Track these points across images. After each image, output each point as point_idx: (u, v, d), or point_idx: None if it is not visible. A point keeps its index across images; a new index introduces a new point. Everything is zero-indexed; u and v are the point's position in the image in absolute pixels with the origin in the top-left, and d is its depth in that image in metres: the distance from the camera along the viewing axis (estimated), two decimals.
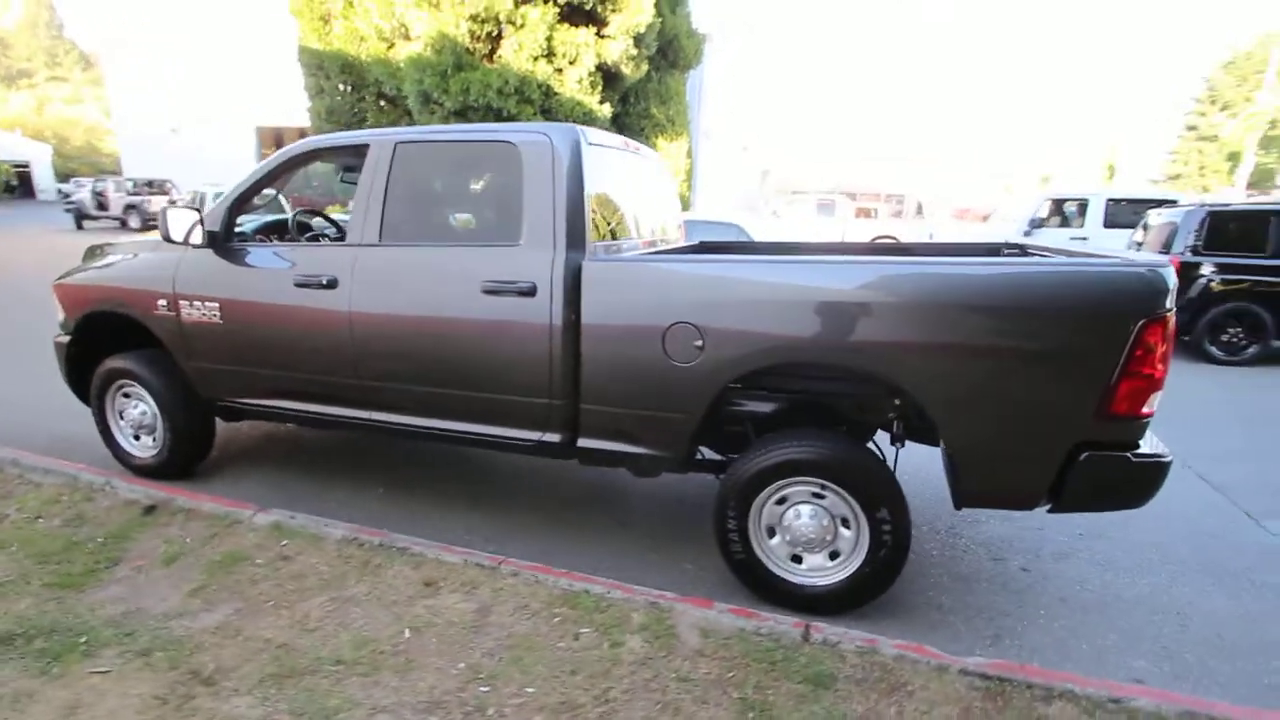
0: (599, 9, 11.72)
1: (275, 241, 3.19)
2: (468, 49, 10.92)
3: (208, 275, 2.91)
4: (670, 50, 15.21)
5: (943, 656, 1.98)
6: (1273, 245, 6.29)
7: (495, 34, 11.03)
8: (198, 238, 2.80)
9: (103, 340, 3.33)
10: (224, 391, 3.06)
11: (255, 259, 2.91)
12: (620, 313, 2.33)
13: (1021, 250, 3.12)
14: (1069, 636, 2.28)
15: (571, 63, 11.60)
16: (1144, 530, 2.98)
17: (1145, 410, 1.91)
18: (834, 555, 2.30)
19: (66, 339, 3.33)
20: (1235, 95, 36.05)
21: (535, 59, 11.04)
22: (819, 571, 2.32)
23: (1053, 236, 10.06)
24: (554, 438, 2.55)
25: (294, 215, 3.53)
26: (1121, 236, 9.14)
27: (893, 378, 2.06)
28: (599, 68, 12.27)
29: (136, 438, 3.33)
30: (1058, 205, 10.69)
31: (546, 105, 11.35)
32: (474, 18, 10.60)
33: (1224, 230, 6.50)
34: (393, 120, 13.56)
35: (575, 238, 2.39)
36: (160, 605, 2.21)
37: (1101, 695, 1.83)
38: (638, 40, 12.74)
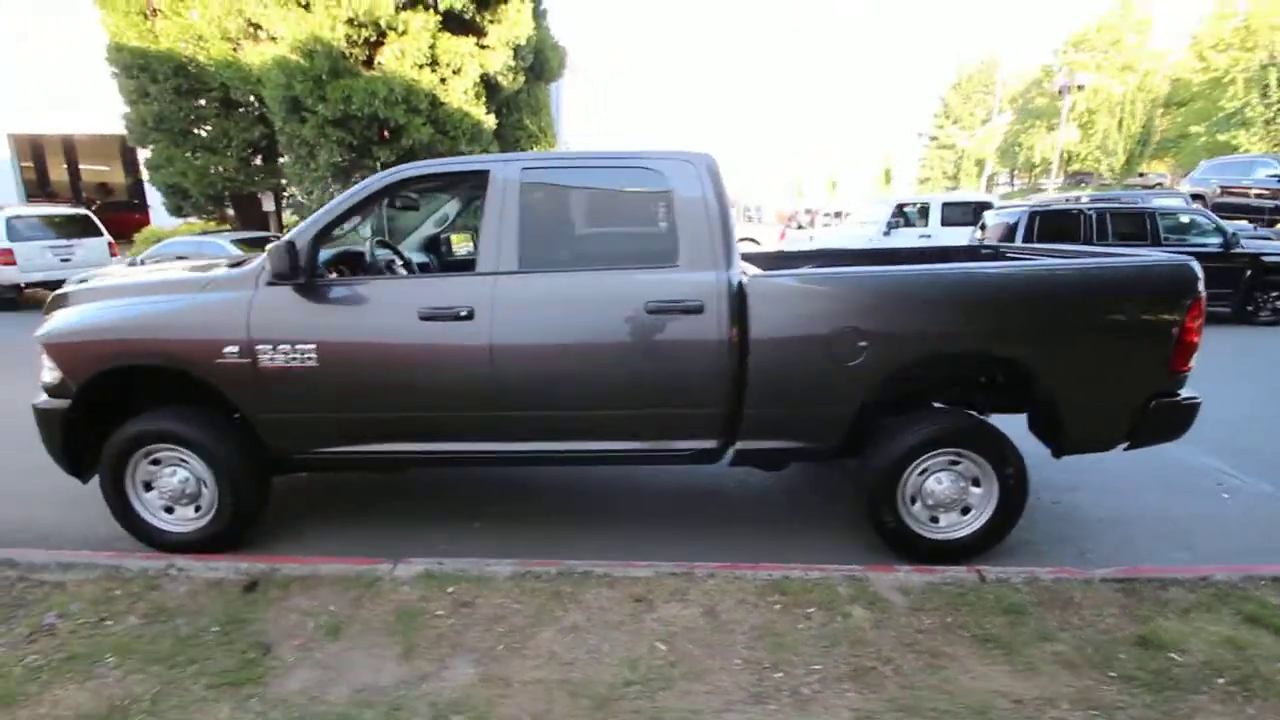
0: (478, 19, 11.46)
1: (365, 276, 2.94)
2: (344, 54, 10.07)
3: (297, 316, 2.61)
4: (537, 62, 15.28)
5: (1084, 572, 2.51)
6: (1082, 235, 8.14)
7: (374, 40, 10.30)
8: (282, 275, 2.52)
9: (107, 402, 2.81)
10: (311, 442, 2.76)
11: (360, 295, 2.67)
12: (786, 324, 2.57)
13: (996, 252, 3.88)
14: (1124, 543, 2.96)
15: (456, 72, 11.21)
16: (1116, 461, 3.86)
17: (1190, 366, 2.60)
18: (965, 510, 2.75)
19: (63, 404, 2.74)
20: (963, 110, 44.44)
21: (420, 67, 10.50)
22: (955, 526, 2.75)
23: (906, 235, 11.87)
24: (711, 444, 2.71)
25: (371, 245, 3.22)
26: (956, 233, 11.05)
27: (1023, 358, 2.56)
28: (482, 78, 11.99)
29: (170, 510, 2.84)
30: (901, 209, 12.60)
31: (434, 115, 10.84)
32: (351, 21, 9.82)
33: (1046, 226, 8.26)
34: (243, 128, 12.01)
35: (731, 257, 2.59)
36: (383, 677, 2.02)
37: (1193, 577, 2.47)
38: (517, 52, 12.67)
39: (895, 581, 2.48)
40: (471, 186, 3.43)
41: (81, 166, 23.16)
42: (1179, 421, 2.67)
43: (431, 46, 10.51)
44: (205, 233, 11.14)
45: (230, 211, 13.56)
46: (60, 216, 11.00)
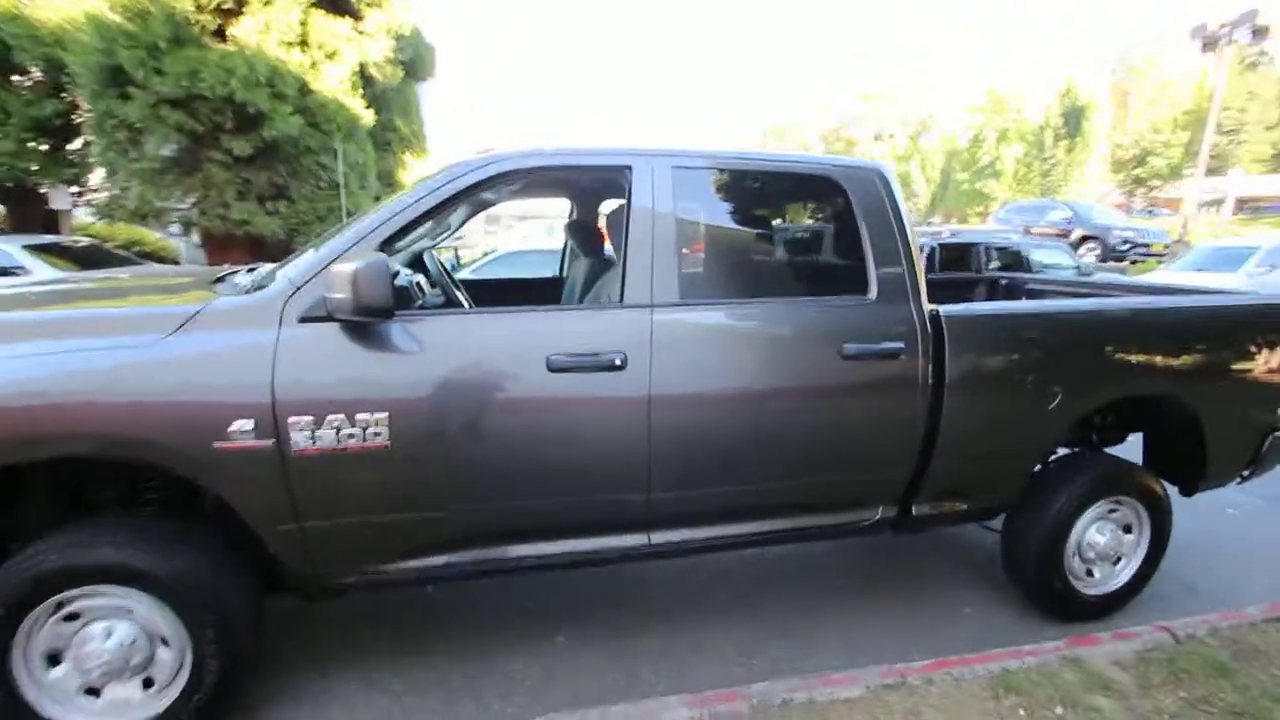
0: (354, 1, 10.01)
1: (444, 309, 2.07)
2: (188, 19, 8.12)
3: (356, 370, 1.71)
4: (412, 59, 13.89)
5: (1240, 615, 2.43)
6: (974, 266, 9.02)
7: (230, 7, 8.45)
8: (371, 308, 1.62)
9: None
10: (369, 558, 1.84)
11: (454, 336, 1.82)
12: (986, 366, 2.21)
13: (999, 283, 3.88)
14: (1203, 572, 2.98)
15: (330, 57, 9.64)
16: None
17: None
18: (1116, 561, 2.59)
19: None
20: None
21: (288, 46, 8.83)
22: (1108, 579, 2.57)
23: None
24: (890, 512, 2.27)
25: (440, 266, 2.27)
26: None
27: (1185, 392, 2.44)
28: (359, 68, 10.48)
29: (95, 692, 1.74)
30: None
31: (304, 104, 9.17)
32: None
33: (946, 255, 9.05)
34: (28, 102, 9.20)
35: (922, 285, 2.17)
36: None
37: None
38: (399, 42, 11.31)
39: (1107, 655, 2.20)
40: (593, 188, 2.65)
41: None
42: (1279, 455, 2.74)
43: (302, 23, 8.92)
44: None
45: (1, 209, 10.37)
46: None
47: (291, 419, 1.66)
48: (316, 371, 1.69)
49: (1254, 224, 22.93)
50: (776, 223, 2.40)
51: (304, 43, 9.22)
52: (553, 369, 1.82)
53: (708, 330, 1.97)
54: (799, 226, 2.42)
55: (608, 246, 2.76)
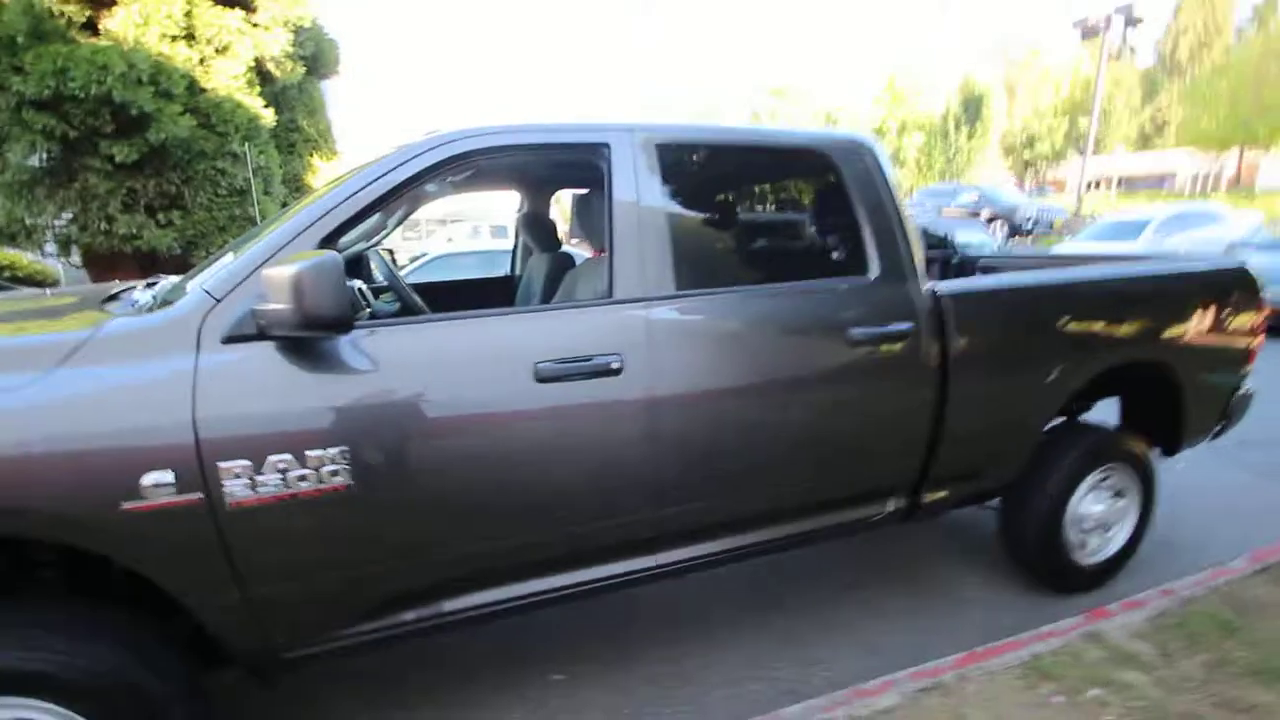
0: None
1: (402, 316, 1.74)
2: (52, 10, 7.13)
3: (304, 398, 1.40)
4: (314, 54, 13.01)
5: (1229, 570, 2.48)
6: None
7: None
8: (324, 320, 1.31)
9: None
10: (330, 623, 1.53)
11: (419, 348, 1.53)
12: (990, 342, 2.12)
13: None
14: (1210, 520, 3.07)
15: (221, 51, 8.78)
16: None
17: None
18: (1108, 529, 2.59)
19: None
20: None
21: (171, 40, 7.95)
22: (1103, 546, 2.58)
23: None
24: (901, 503, 2.16)
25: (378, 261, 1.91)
26: None
27: (1169, 356, 2.45)
28: (255, 64, 9.63)
29: None
30: None
31: (195, 104, 8.30)
32: None
33: None
34: None
35: (921, 263, 2.06)
36: None
37: None
38: (297, 35, 10.50)
39: (1125, 628, 2.17)
40: (556, 173, 2.36)
41: None
42: (1244, 410, 2.84)
43: (187, 15, 8.05)
44: None
45: None
46: None
47: (223, 464, 1.33)
48: (251, 402, 1.36)
49: (1132, 198, 25.19)
50: (767, 202, 2.23)
51: (191, 36, 8.35)
52: (541, 379, 1.56)
53: (709, 323, 1.77)
54: (791, 205, 2.26)
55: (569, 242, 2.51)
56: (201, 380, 1.33)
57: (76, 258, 10.31)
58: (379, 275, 2.07)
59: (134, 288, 2.06)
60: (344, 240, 1.79)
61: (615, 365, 1.61)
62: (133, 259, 8.78)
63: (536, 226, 2.87)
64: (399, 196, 1.59)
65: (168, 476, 1.29)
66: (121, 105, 7.48)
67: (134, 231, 8.38)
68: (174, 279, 1.96)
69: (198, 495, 1.32)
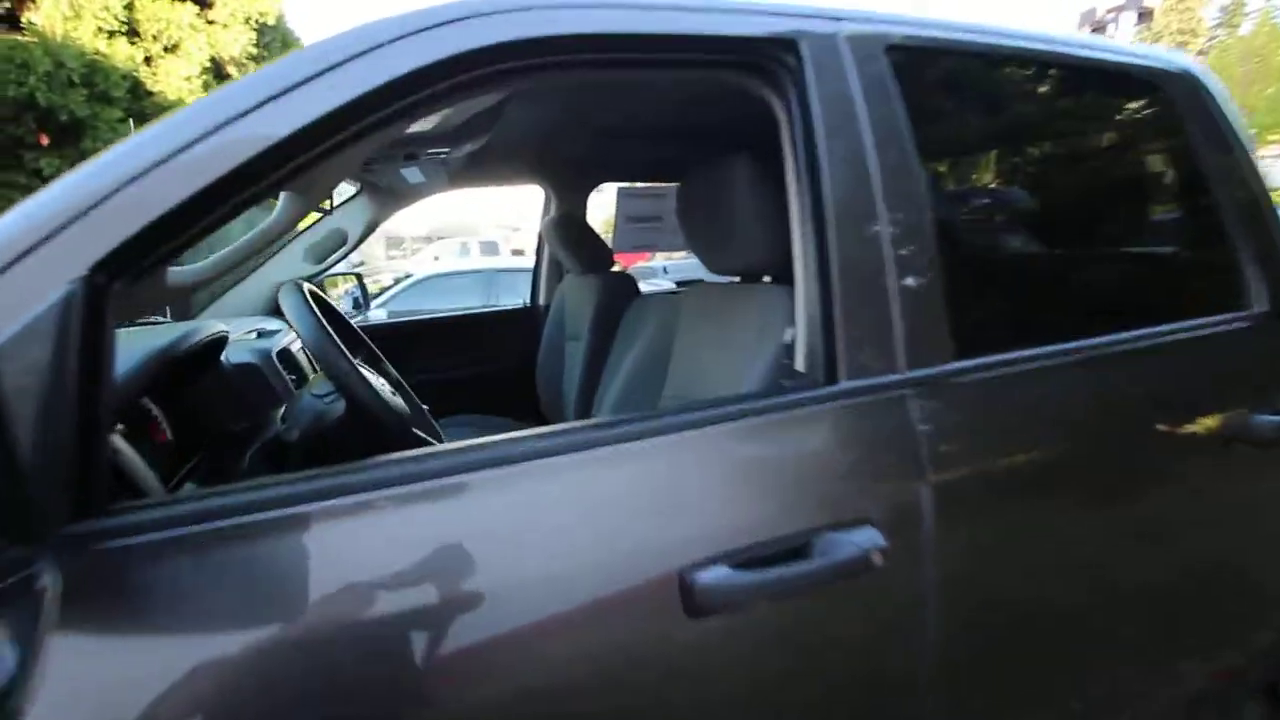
0: None
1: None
2: None
3: None
4: (275, 56, 12.01)
5: None
6: None
7: None
8: None
9: None
10: None
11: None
12: None
13: None
14: None
15: (170, 50, 7.76)
16: None
17: None
18: None
19: None
20: None
21: (109, 36, 6.92)
22: None
23: None
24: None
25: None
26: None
27: None
28: (211, 64, 8.63)
29: None
30: None
31: (139, 108, 7.27)
32: None
33: None
34: None
35: None
36: None
37: None
38: (261, 34, 9.50)
39: None
40: (671, 115, 1.37)
41: None
42: None
43: (128, 7, 7.05)
44: None
45: None
46: None
47: None
48: None
49: None
50: (1080, 174, 1.23)
51: (134, 32, 7.34)
52: (696, 610, 0.61)
53: (1024, 421, 0.82)
54: (1120, 181, 1.27)
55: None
56: None
57: None
58: (298, 331, 1.05)
59: None
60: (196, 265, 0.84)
61: (874, 555, 0.66)
62: None
63: (573, 235, 1.92)
64: (325, 146, 0.62)
65: None
66: (49, 110, 6.43)
67: None
68: None
69: None
